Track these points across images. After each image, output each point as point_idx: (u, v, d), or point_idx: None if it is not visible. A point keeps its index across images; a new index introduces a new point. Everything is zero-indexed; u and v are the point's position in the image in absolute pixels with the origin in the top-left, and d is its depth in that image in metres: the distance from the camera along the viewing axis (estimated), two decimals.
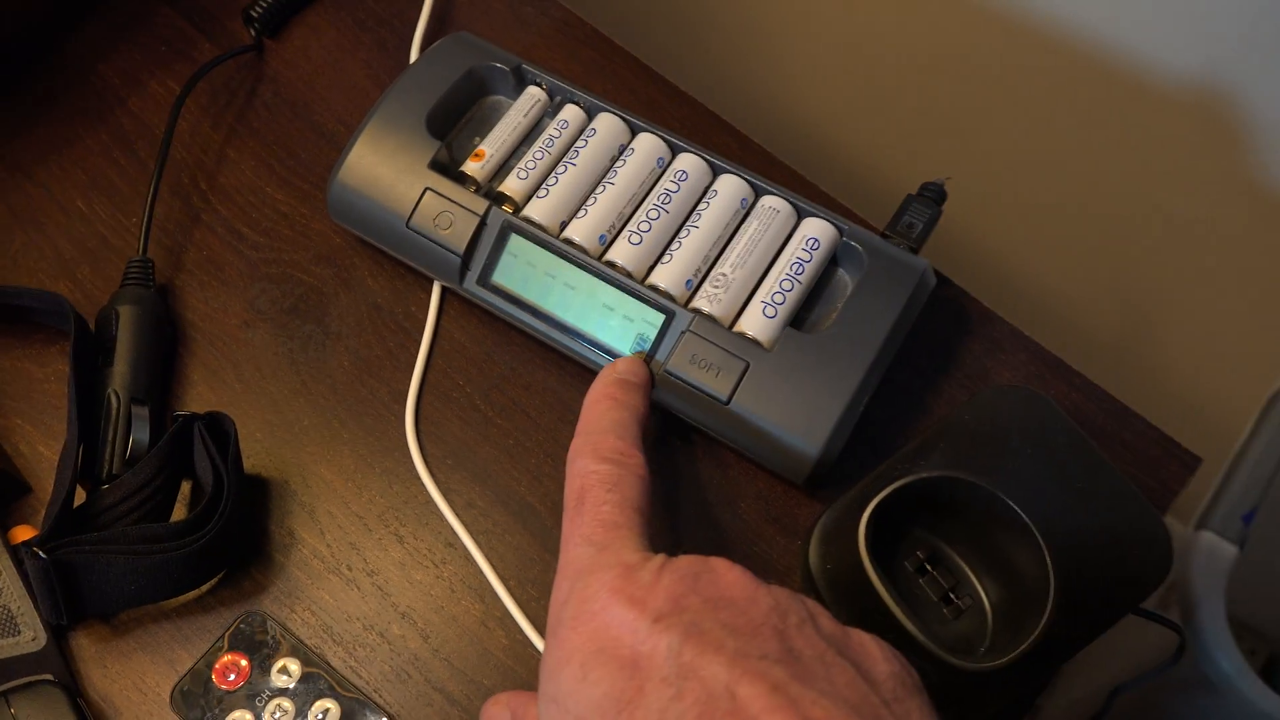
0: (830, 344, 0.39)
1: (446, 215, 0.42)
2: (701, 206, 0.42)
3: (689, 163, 0.42)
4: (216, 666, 0.37)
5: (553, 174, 0.42)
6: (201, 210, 0.47)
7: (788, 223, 0.41)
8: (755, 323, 0.39)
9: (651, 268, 0.41)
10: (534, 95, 0.44)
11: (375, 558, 0.40)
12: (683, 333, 0.39)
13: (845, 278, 0.42)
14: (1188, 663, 0.62)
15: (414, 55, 0.49)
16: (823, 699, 0.26)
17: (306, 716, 0.37)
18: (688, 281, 0.40)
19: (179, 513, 0.40)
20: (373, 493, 0.41)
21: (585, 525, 0.32)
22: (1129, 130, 0.58)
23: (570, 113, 0.44)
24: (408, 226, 0.42)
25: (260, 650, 0.38)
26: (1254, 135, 0.53)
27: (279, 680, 0.37)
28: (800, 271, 0.40)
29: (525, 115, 0.44)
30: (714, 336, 0.39)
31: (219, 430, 0.39)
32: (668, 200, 0.41)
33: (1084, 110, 0.59)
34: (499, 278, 0.42)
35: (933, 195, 0.43)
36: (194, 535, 0.37)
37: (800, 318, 0.41)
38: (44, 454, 0.42)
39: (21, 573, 0.38)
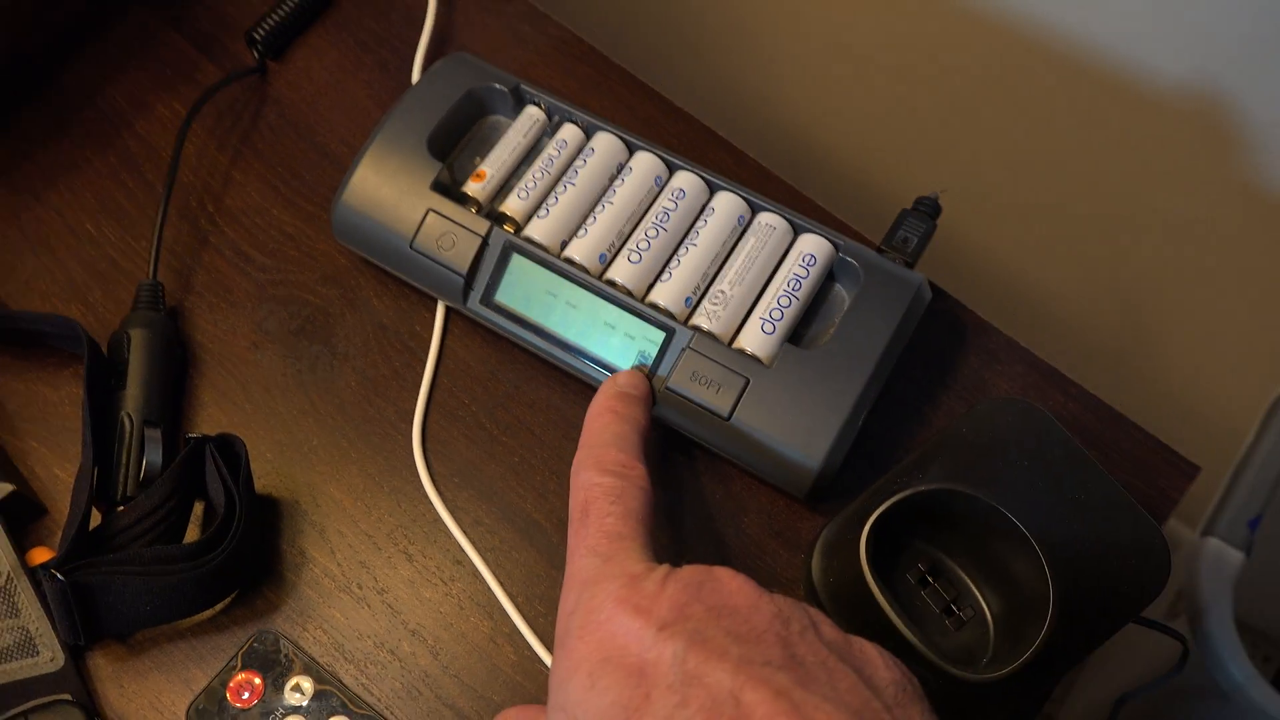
0: (828, 359, 0.39)
1: (449, 236, 0.42)
2: (699, 224, 0.42)
3: (686, 181, 0.43)
4: (231, 685, 0.38)
5: (553, 194, 0.43)
6: (209, 233, 0.48)
7: (784, 239, 0.42)
8: (754, 339, 0.40)
9: (651, 285, 0.41)
10: (533, 115, 0.45)
11: (385, 576, 0.41)
12: (683, 350, 0.40)
13: (842, 293, 0.42)
14: (1197, 670, 0.62)
15: (415, 75, 0.50)
16: (826, 704, 0.27)
17: None
18: (687, 299, 0.41)
19: (192, 533, 0.41)
20: (381, 511, 0.42)
21: (590, 537, 0.33)
22: (1124, 137, 0.58)
23: (569, 132, 0.44)
24: (411, 247, 0.43)
25: (273, 668, 0.38)
26: (1249, 138, 0.53)
27: (292, 698, 0.38)
28: (797, 287, 0.41)
29: (525, 135, 0.45)
30: (714, 353, 0.40)
31: (230, 451, 0.40)
32: (666, 218, 0.42)
33: (1078, 118, 0.59)
34: (502, 297, 0.42)
35: (927, 209, 0.43)
36: (207, 556, 0.38)
37: (798, 333, 0.41)
38: (59, 476, 0.43)
39: (40, 594, 0.39)
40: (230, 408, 0.44)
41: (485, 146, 0.46)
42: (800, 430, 0.39)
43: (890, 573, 0.37)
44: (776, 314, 0.40)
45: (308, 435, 0.43)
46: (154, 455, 0.40)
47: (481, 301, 0.43)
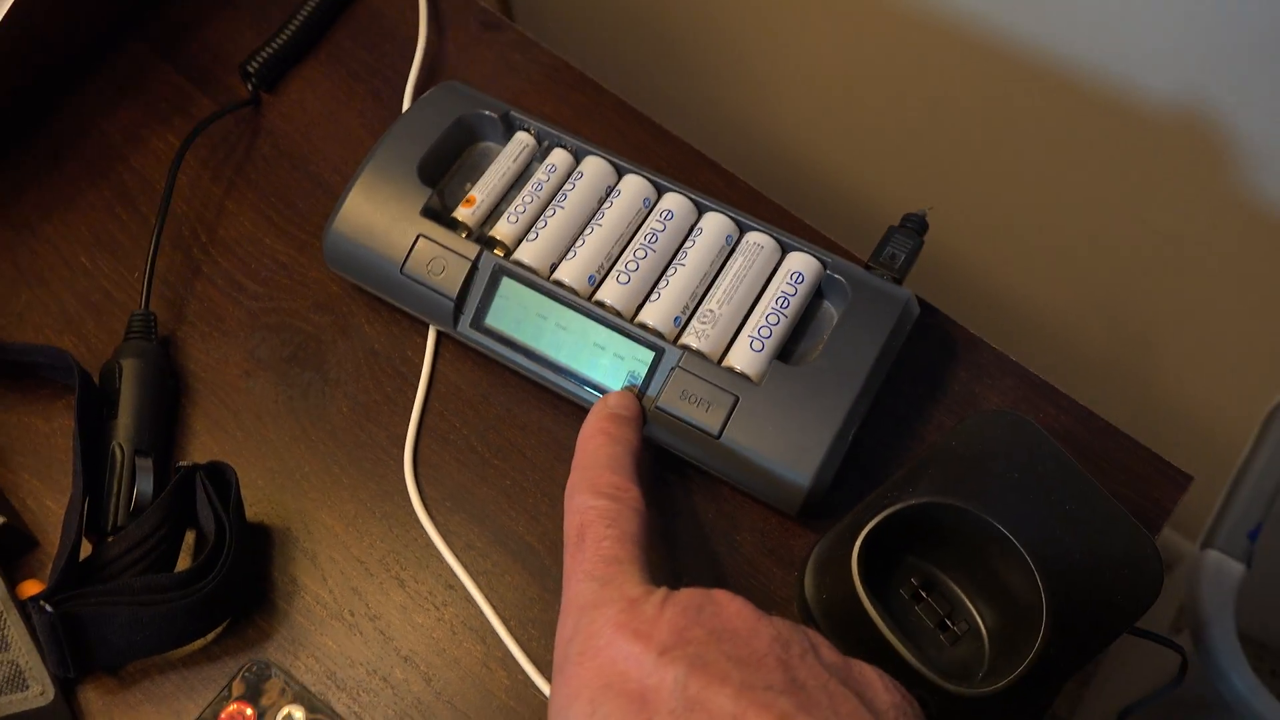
0: (817, 376, 0.39)
1: (439, 261, 0.42)
2: (687, 245, 0.42)
3: (674, 202, 0.43)
4: (222, 716, 0.38)
5: (542, 217, 0.43)
6: (202, 262, 0.48)
7: (772, 257, 0.42)
8: (743, 357, 0.40)
9: (640, 306, 0.41)
10: (522, 140, 0.46)
11: (377, 602, 0.41)
12: (672, 369, 0.40)
13: (831, 310, 0.42)
14: (1201, 683, 0.62)
15: (407, 103, 0.51)
16: None
17: None
18: (676, 318, 0.41)
19: (184, 562, 0.41)
20: (373, 537, 0.42)
21: (587, 561, 0.33)
22: (1112, 150, 0.58)
23: (558, 157, 0.45)
24: (402, 273, 0.43)
25: (265, 699, 0.38)
26: (1238, 149, 0.53)
27: None
28: (785, 305, 0.41)
29: (514, 160, 0.45)
30: (703, 372, 0.40)
31: (221, 480, 0.40)
32: (654, 239, 0.42)
33: (1066, 134, 0.59)
34: (492, 320, 0.42)
35: (914, 226, 0.43)
36: (197, 584, 0.38)
37: (787, 350, 0.41)
38: (51, 508, 0.43)
39: (30, 627, 0.38)
40: (222, 436, 0.44)
41: (475, 172, 0.46)
42: (791, 447, 0.39)
43: (883, 588, 0.37)
44: (765, 332, 0.40)
45: (299, 462, 0.43)
46: (145, 485, 0.40)
47: (472, 325, 0.43)
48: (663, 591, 0.31)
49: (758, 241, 0.42)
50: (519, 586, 0.41)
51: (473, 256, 0.42)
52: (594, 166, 0.44)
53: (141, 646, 0.38)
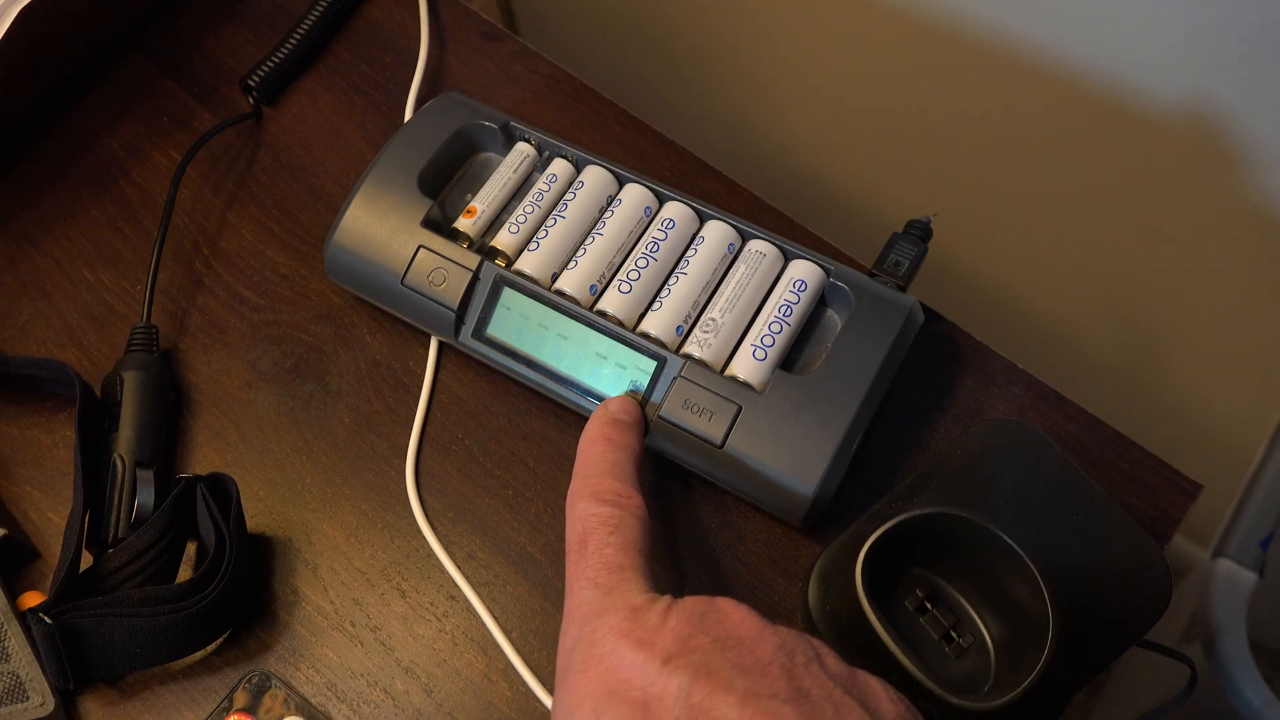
0: (821, 385, 0.39)
1: (440, 272, 0.42)
2: (689, 253, 0.42)
3: (676, 211, 0.43)
4: None
5: (543, 227, 0.43)
6: (204, 275, 0.48)
7: (775, 265, 0.42)
8: (746, 366, 0.40)
9: (642, 315, 0.41)
10: (523, 151, 0.45)
11: (378, 613, 0.40)
12: (675, 378, 0.40)
13: (834, 318, 0.42)
14: (1213, 694, 0.61)
15: (408, 115, 0.51)
16: None
17: None
18: (678, 328, 0.41)
19: (185, 574, 0.41)
20: (375, 548, 0.42)
21: (590, 569, 0.33)
22: (1120, 155, 0.58)
23: (559, 166, 0.45)
24: (403, 284, 0.43)
25: (266, 710, 0.38)
26: (1247, 154, 0.53)
27: None
28: (788, 313, 0.40)
29: (515, 171, 0.45)
30: (706, 381, 0.39)
31: (221, 491, 0.40)
32: (656, 248, 0.42)
33: (1072, 138, 0.59)
34: (494, 331, 0.42)
35: (918, 233, 0.43)
36: (197, 596, 0.37)
37: (791, 359, 0.41)
38: (52, 520, 0.43)
39: (30, 639, 0.38)
40: (224, 447, 0.44)
41: (476, 183, 0.46)
42: (794, 457, 0.38)
43: (888, 600, 0.37)
44: (768, 340, 0.40)
45: (301, 473, 0.43)
46: (146, 496, 0.40)
47: (473, 336, 0.43)
48: (666, 599, 0.31)
49: (760, 249, 0.42)
50: (521, 597, 0.40)
51: (474, 267, 0.42)
52: (595, 176, 0.44)
53: (141, 658, 0.38)
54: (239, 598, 0.39)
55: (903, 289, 0.42)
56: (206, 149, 0.50)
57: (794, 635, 0.30)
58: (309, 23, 0.53)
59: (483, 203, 0.44)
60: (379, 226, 0.44)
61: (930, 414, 0.43)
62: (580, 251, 0.42)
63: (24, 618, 0.39)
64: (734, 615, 0.30)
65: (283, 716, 0.38)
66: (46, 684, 0.38)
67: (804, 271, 0.42)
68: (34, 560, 0.42)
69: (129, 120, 0.52)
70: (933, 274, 0.48)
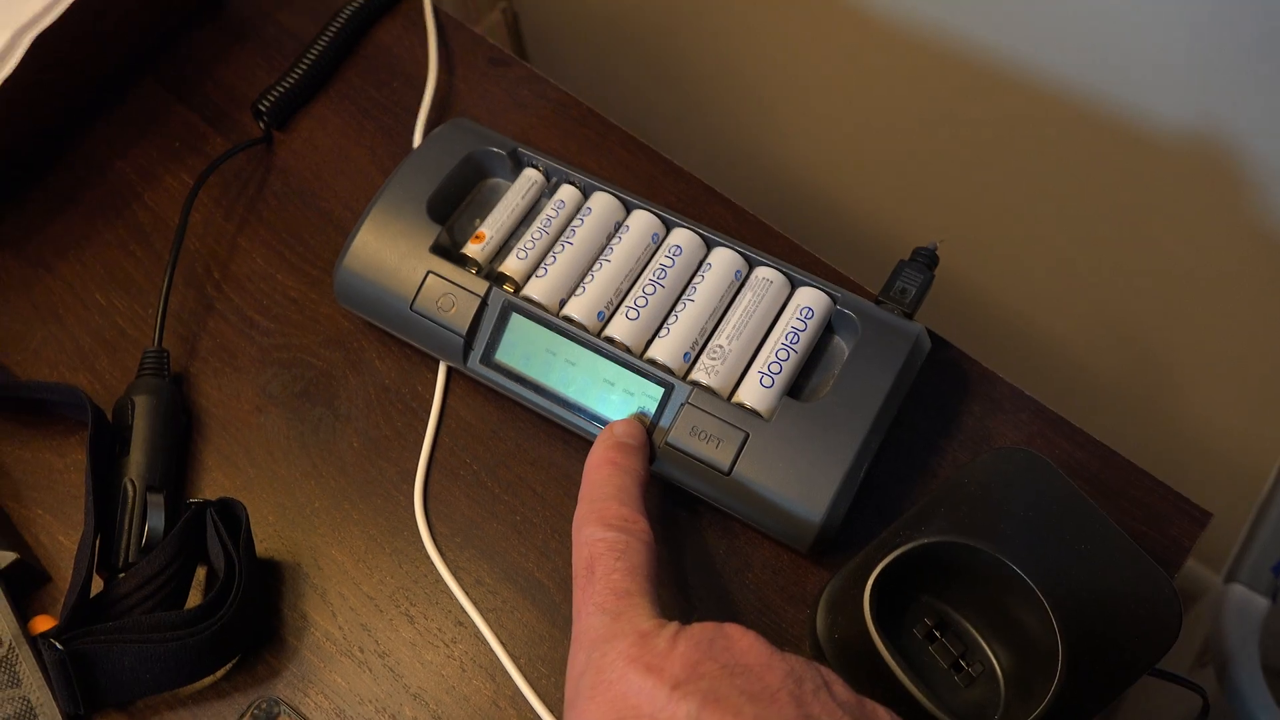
0: (828, 412, 0.39)
1: (449, 297, 0.43)
2: (696, 280, 0.42)
3: (683, 237, 0.43)
4: None
5: (551, 253, 0.43)
6: (215, 299, 0.48)
7: (782, 293, 0.42)
8: (753, 393, 0.40)
9: (649, 342, 0.41)
10: (531, 177, 0.46)
11: (386, 639, 0.40)
12: (682, 405, 0.40)
13: (841, 345, 0.42)
14: (1226, 719, 0.61)
15: (417, 139, 0.51)
16: None
17: None
18: (685, 354, 0.41)
19: (195, 598, 0.41)
20: (383, 573, 0.42)
21: (597, 594, 0.33)
22: (1128, 181, 0.58)
23: (566, 193, 0.45)
24: (412, 309, 0.43)
25: None
26: (1256, 178, 0.53)
27: None
28: (795, 341, 0.41)
29: (523, 197, 0.45)
30: (713, 408, 0.39)
31: (230, 516, 0.40)
32: (663, 275, 0.42)
33: (1081, 164, 0.59)
34: (502, 356, 0.43)
35: (925, 260, 0.43)
36: (206, 622, 0.38)
37: (798, 386, 0.41)
38: (64, 544, 0.43)
39: (41, 664, 0.38)
40: (233, 471, 0.44)
41: (484, 209, 0.46)
42: (801, 484, 0.38)
43: (896, 628, 0.37)
44: (775, 367, 0.40)
45: (310, 498, 0.43)
46: (156, 521, 0.40)
47: (482, 361, 0.43)
48: (674, 625, 0.31)
49: (767, 276, 0.42)
50: (529, 623, 0.40)
51: (482, 293, 0.42)
52: (602, 202, 0.44)
53: (151, 684, 0.38)
54: (248, 623, 0.39)
55: (909, 316, 0.42)
56: (218, 173, 0.51)
57: (802, 663, 0.30)
58: (319, 48, 0.53)
59: (491, 228, 0.44)
60: (388, 252, 0.44)
61: (938, 441, 0.43)
62: (588, 278, 0.43)
63: (35, 642, 0.39)
64: (742, 642, 0.30)
65: None
66: (57, 709, 0.38)
67: (811, 299, 0.42)
68: (45, 584, 0.42)
69: (141, 145, 0.53)
70: (939, 300, 0.48)
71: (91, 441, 0.41)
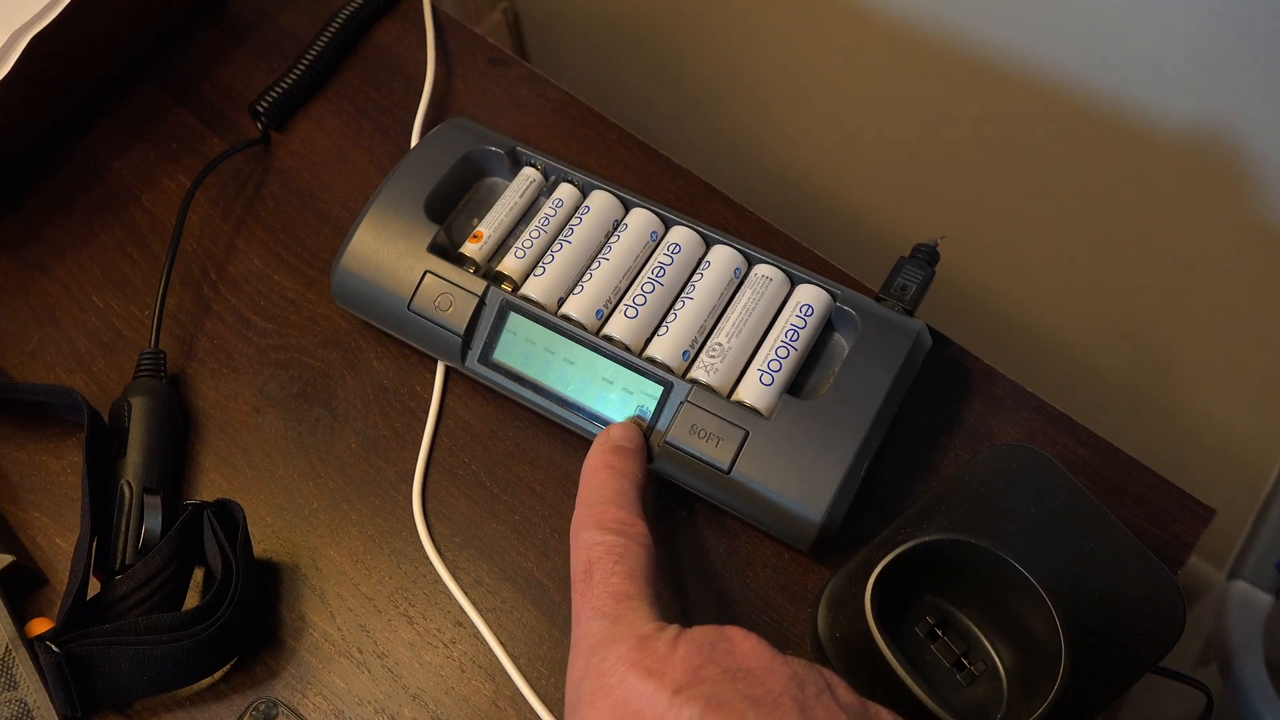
0: (828, 409, 0.39)
1: (446, 297, 0.42)
2: (695, 278, 0.42)
3: (682, 235, 0.43)
4: None
5: (549, 252, 0.43)
6: (212, 300, 0.48)
7: (781, 290, 0.42)
8: (753, 391, 0.39)
9: (648, 340, 0.41)
10: (529, 176, 0.46)
11: (385, 639, 0.40)
12: (681, 403, 0.39)
13: (841, 342, 0.42)
14: (1229, 715, 0.60)
15: (415, 140, 0.51)
16: None
17: None
18: (684, 352, 0.41)
19: (192, 600, 0.41)
20: (382, 573, 0.42)
21: (595, 598, 0.33)
22: (1130, 177, 0.58)
23: (565, 191, 0.45)
24: (409, 309, 0.43)
25: None
26: (1257, 174, 0.53)
27: None
28: (795, 338, 0.40)
29: (521, 196, 0.45)
30: (712, 406, 0.39)
31: (228, 517, 0.40)
32: (662, 273, 0.42)
33: (1082, 160, 0.59)
34: (500, 355, 0.42)
35: (925, 256, 0.43)
36: (204, 623, 0.37)
37: (798, 384, 0.41)
38: (61, 546, 0.43)
39: (38, 666, 0.38)
40: (231, 472, 0.44)
41: (483, 208, 0.46)
42: (802, 482, 0.38)
43: (898, 627, 0.36)
44: (775, 365, 0.40)
45: (308, 498, 0.43)
46: (153, 522, 0.40)
47: (480, 360, 0.43)
48: (675, 628, 0.31)
49: (766, 274, 0.42)
50: (528, 623, 0.40)
51: (480, 292, 0.42)
52: (600, 201, 0.44)
53: (148, 686, 0.37)
54: (246, 624, 0.39)
55: (910, 313, 0.42)
56: (215, 174, 0.51)
57: (805, 666, 0.30)
58: (317, 49, 0.53)
59: (489, 227, 0.44)
60: (386, 251, 0.44)
61: (939, 438, 0.43)
62: (586, 276, 0.42)
63: (31, 645, 0.39)
64: (744, 645, 0.30)
65: None
66: (54, 712, 0.38)
67: (810, 296, 0.41)
68: (42, 586, 0.42)
69: (138, 146, 0.53)
70: (940, 297, 0.47)
71: (88, 443, 0.41)
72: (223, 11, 0.56)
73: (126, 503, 0.41)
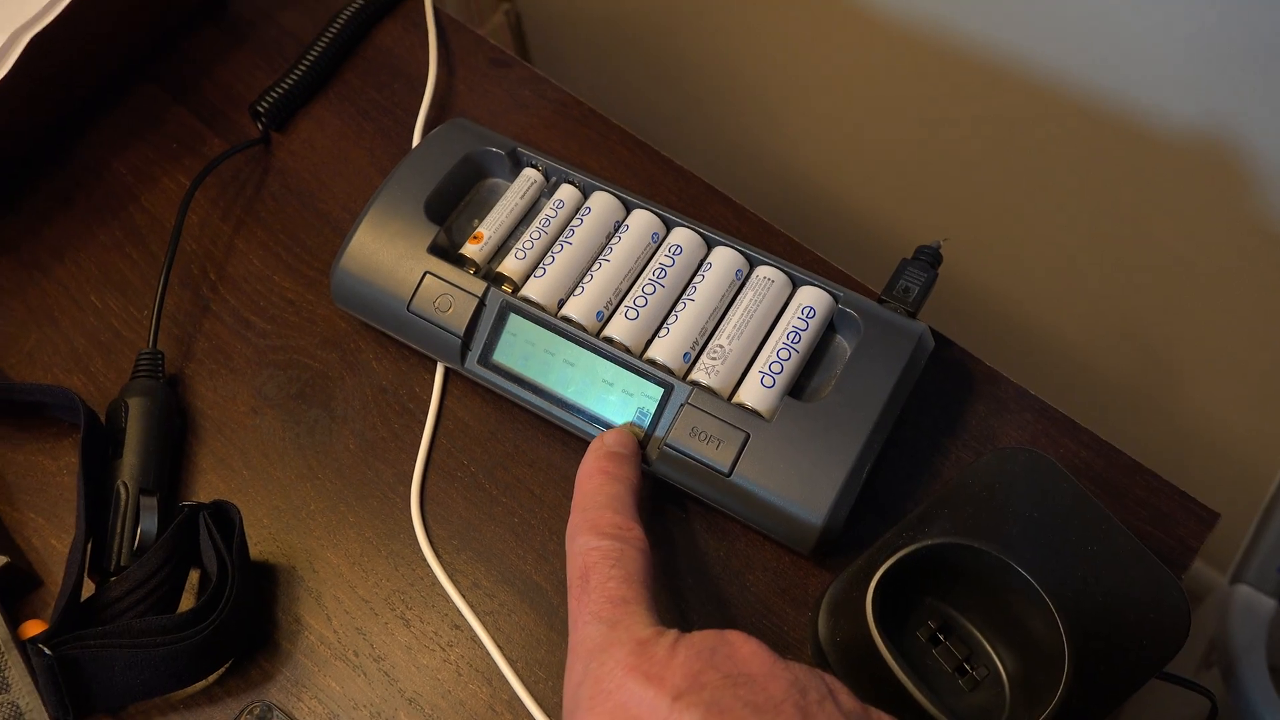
0: (830, 412, 0.38)
1: (446, 298, 0.42)
2: (696, 279, 0.42)
3: (683, 237, 0.43)
4: None
5: (549, 253, 0.43)
6: (210, 300, 0.48)
7: (783, 292, 0.42)
8: (754, 393, 0.39)
9: (649, 342, 0.41)
10: (530, 177, 0.45)
11: (382, 642, 0.40)
12: (682, 405, 0.39)
13: (843, 344, 0.42)
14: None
15: (416, 140, 0.51)
16: None
17: None
18: (685, 354, 0.40)
19: (188, 602, 0.40)
20: (379, 576, 0.41)
21: (593, 603, 0.32)
22: (1132, 179, 0.58)
23: (566, 192, 0.45)
24: (409, 310, 0.43)
25: None
26: (1260, 176, 0.53)
27: None
28: (797, 340, 0.40)
29: (522, 197, 0.45)
30: (713, 408, 0.39)
31: (224, 518, 0.40)
32: (663, 274, 0.42)
33: (1083, 161, 0.59)
34: (500, 357, 0.42)
35: (928, 258, 0.43)
36: (198, 626, 0.37)
37: (799, 386, 0.41)
38: (56, 547, 0.42)
39: (30, 669, 0.38)
40: (228, 474, 0.44)
41: (483, 209, 0.46)
42: (803, 485, 0.38)
43: (900, 631, 0.36)
44: (776, 367, 0.40)
45: (305, 500, 0.43)
46: (149, 524, 0.40)
47: (479, 362, 0.42)
48: (674, 633, 0.31)
49: (768, 276, 0.42)
50: (526, 627, 0.40)
51: (480, 293, 0.42)
52: (602, 202, 0.44)
53: (142, 689, 0.37)
54: (241, 627, 0.39)
55: (912, 315, 0.41)
56: (215, 174, 0.51)
57: (806, 671, 0.30)
58: (318, 49, 0.53)
59: (489, 228, 0.44)
60: (385, 252, 0.43)
61: (942, 441, 0.42)
62: (587, 278, 0.42)
63: (24, 647, 0.39)
64: (745, 650, 0.30)
65: None
66: (47, 715, 0.37)
67: (812, 298, 0.41)
68: (37, 588, 0.42)
69: (138, 146, 0.52)
70: (943, 299, 0.47)
71: (84, 444, 0.41)
72: (223, 11, 0.56)
73: (122, 504, 0.40)
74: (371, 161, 0.51)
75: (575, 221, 0.44)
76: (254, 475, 0.44)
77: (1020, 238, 0.66)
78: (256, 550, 0.42)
